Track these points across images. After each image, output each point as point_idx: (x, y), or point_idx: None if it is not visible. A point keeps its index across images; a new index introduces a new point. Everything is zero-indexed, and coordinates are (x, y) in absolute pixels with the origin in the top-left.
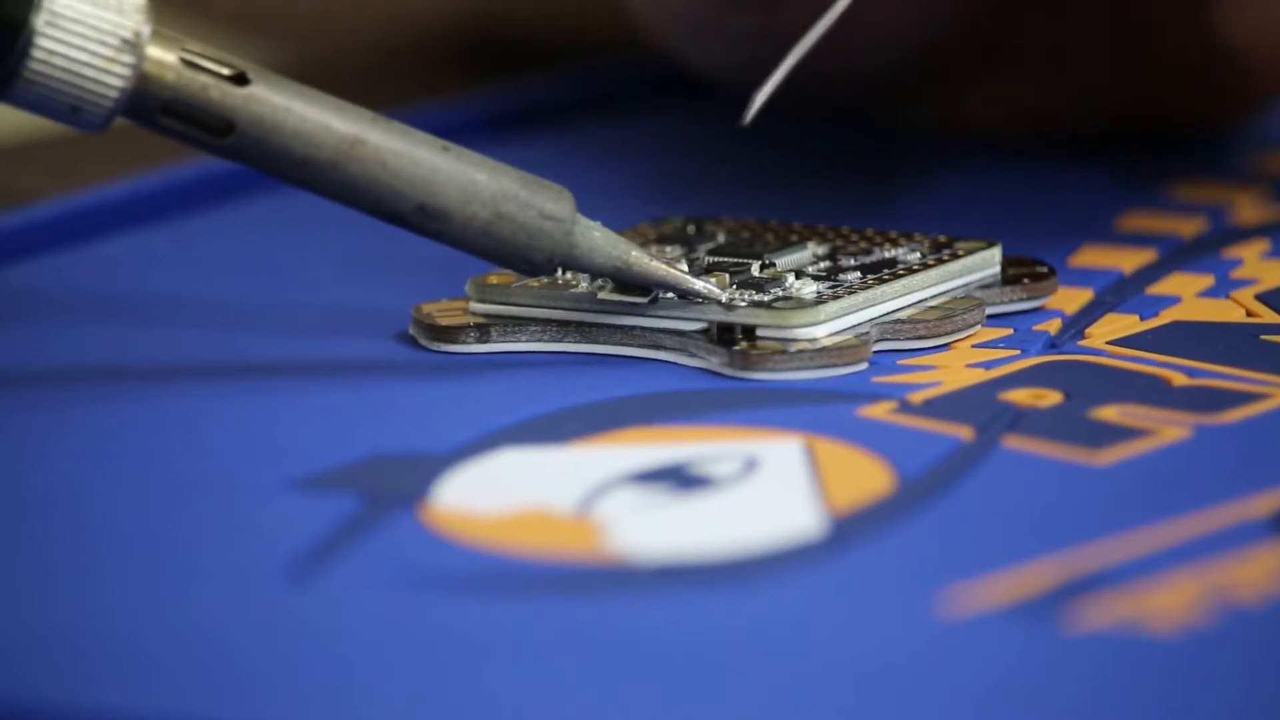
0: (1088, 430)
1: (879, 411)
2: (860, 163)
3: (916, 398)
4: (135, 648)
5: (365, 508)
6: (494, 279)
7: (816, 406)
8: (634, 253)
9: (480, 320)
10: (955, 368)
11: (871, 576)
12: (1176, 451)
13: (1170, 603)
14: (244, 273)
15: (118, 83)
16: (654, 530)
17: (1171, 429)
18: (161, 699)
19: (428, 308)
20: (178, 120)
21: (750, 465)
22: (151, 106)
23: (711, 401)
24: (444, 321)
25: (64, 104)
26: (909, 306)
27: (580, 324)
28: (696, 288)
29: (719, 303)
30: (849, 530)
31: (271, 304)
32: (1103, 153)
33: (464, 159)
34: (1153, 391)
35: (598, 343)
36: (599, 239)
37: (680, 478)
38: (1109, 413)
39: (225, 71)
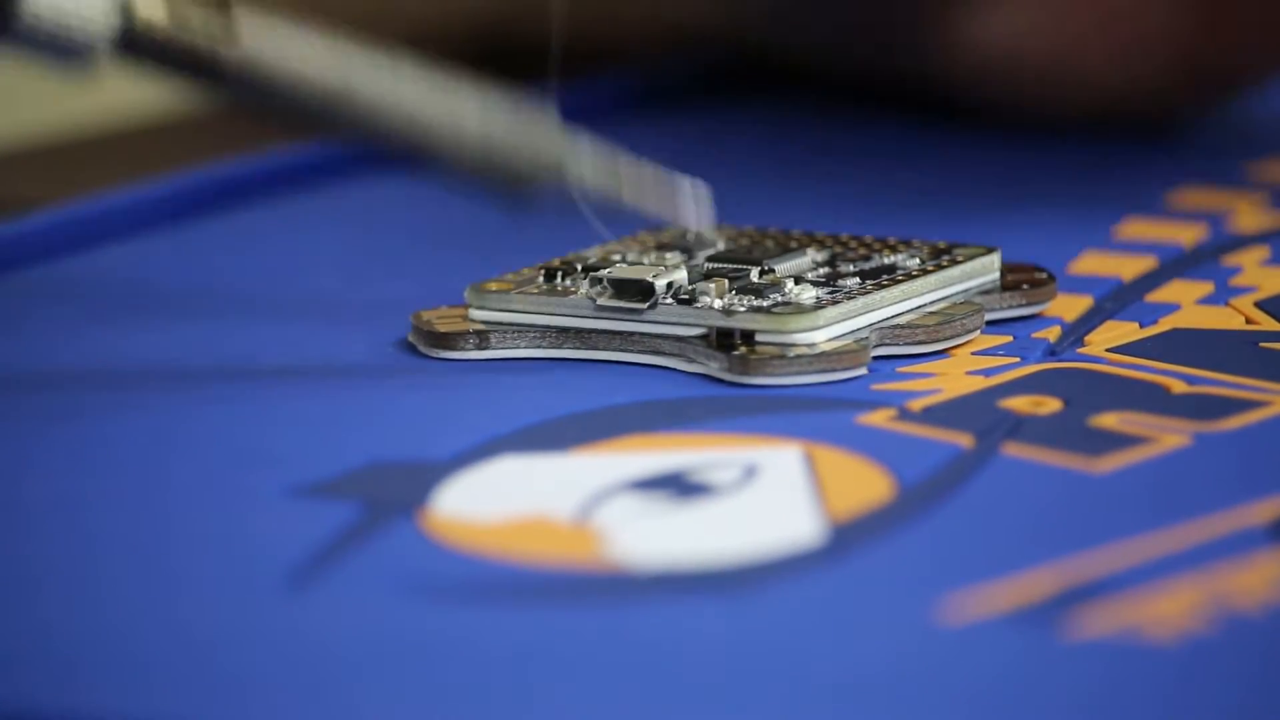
0: (1087, 438)
1: (878, 419)
2: (859, 169)
3: (916, 405)
4: (135, 655)
5: (365, 515)
6: (493, 286)
7: (816, 414)
8: (625, 173)
9: (479, 327)
10: (955, 375)
11: (871, 584)
12: (1176, 459)
13: (1170, 610)
14: (243, 279)
15: (105, 19)
16: (653, 537)
17: (1171, 436)
18: (160, 707)
19: (427, 315)
20: (164, 55)
21: (750, 473)
22: (140, 41)
23: (711, 409)
24: (443, 328)
25: (54, 41)
26: (908, 312)
27: (579, 330)
28: (686, 215)
29: (708, 241)
30: (848, 537)
31: (270, 310)
32: (1103, 159)
33: (449, 88)
34: (1152, 399)
35: (597, 349)
36: (589, 160)
37: (679, 485)
38: (1108, 420)
39: (212, 8)
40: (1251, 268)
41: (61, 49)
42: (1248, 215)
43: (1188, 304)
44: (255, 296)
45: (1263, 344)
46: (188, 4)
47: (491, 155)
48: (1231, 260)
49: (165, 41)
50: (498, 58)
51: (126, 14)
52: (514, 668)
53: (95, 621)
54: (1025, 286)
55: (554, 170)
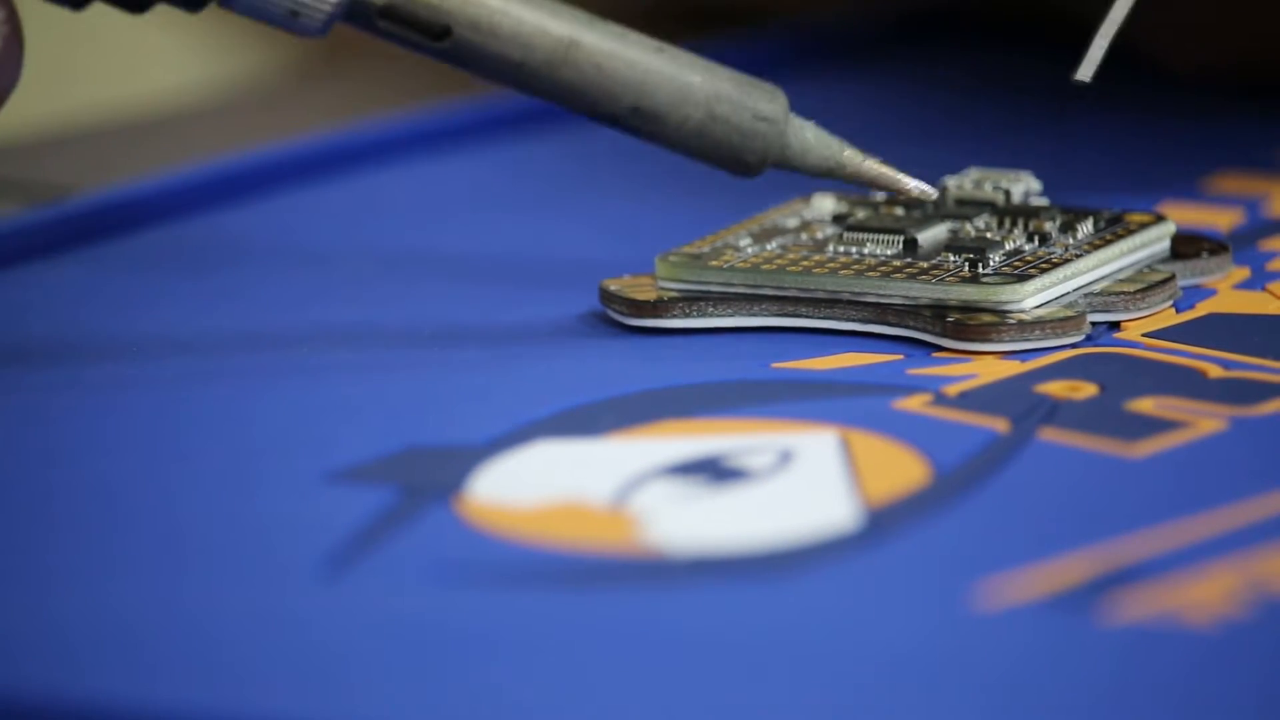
0: (1123, 422)
1: (914, 404)
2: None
3: (952, 390)
4: (170, 641)
5: (401, 500)
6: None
7: (852, 399)
8: (846, 152)
9: (681, 293)
10: (990, 360)
11: (907, 569)
12: (1212, 443)
13: (1207, 595)
14: (281, 268)
15: None
16: (689, 523)
17: (1207, 421)
18: (194, 693)
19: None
20: (395, 24)
21: (785, 458)
22: (369, 9)
23: (746, 394)
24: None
25: (283, 8)
26: (1100, 280)
27: (790, 299)
28: (909, 185)
29: (931, 201)
30: (884, 523)
31: (307, 298)
32: (1140, 145)
33: (678, 60)
34: (1188, 383)
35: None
36: (811, 139)
37: (715, 470)
38: (1145, 405)
39: None
40: None
41: (288, 15)
42: None
43: (1224, 289)
44: (292, 285)
45: None
46: None
47: (714, 125)
48: (1268, 245)
49: (396, 12)
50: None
51: None
52: (550, 653)
53: (131, 605)
54: (1205, 255)
55: (776, 143)
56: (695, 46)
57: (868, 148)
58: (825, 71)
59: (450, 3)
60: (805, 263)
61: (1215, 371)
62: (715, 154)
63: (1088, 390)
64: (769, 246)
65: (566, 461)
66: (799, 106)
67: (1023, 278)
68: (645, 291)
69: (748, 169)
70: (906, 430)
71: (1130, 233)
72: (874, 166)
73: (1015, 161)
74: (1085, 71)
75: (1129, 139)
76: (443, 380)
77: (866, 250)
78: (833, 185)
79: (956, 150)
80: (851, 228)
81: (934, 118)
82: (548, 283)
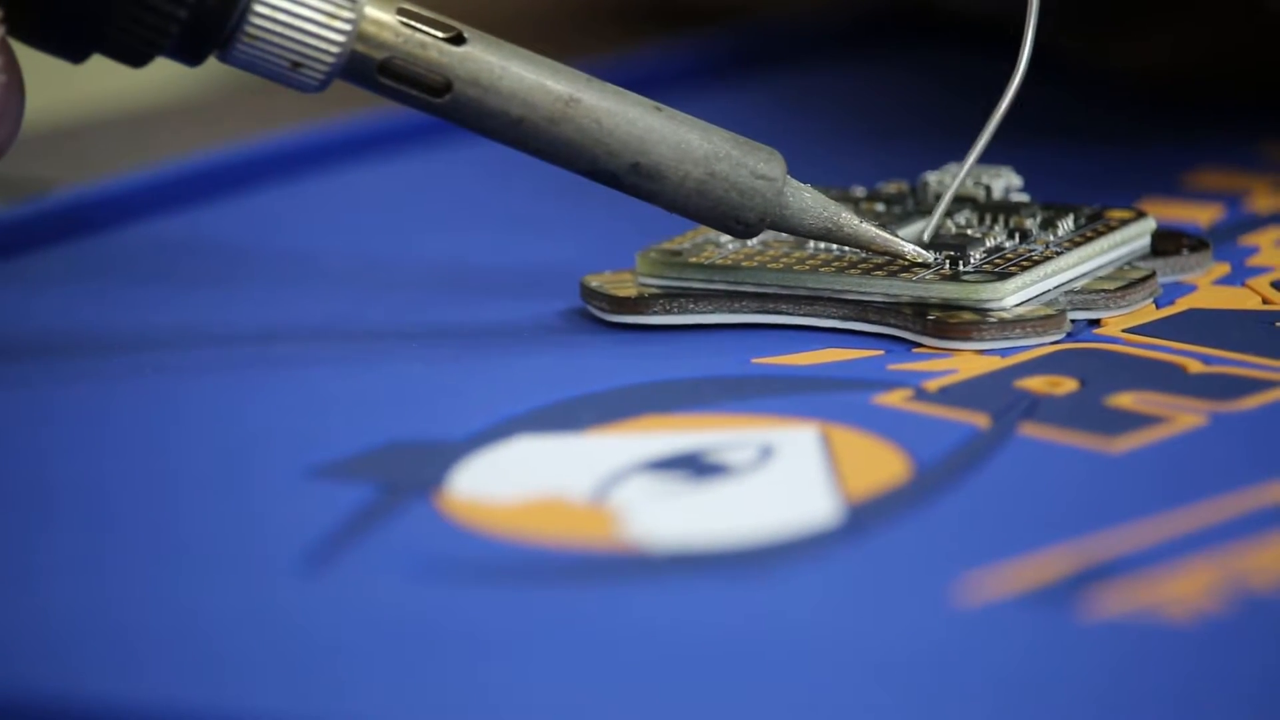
0: (1104, 418)
1: (895, 399)
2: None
3: (932, 385)
4: (152, 638)
5: (382, 496)
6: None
7: (832, 394)
8: (844, 214)
9: (664, 290)
10: (971, 355)
11: (887, 564)
12: (1192, 439)
13: (1186, 590)
14: (261, 265)
15: (338, 38)
16: (669, 518)
17: (1187, 416)
18: (173, 691)
19: (597, 280)
20: (395, 79)
21: (766, 453)
22: (370, 65)
23: (727, 389)
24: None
25: (285, 61)
26: (1080, 277)
27: (770, 295)
28: (905, 250)
29: (926, 265)
30: (865, 518)
31: (288, 294)
32: (1121, 142)
33: (676, 119)
34: (1169, 379)
35: (788, 314)
36: (809, 200)
37: (696, 466)
38: (1125, 400)
39: (441, 33)
40: (1268, 248)
41: (289, 68)
42: (1264, 196)
43: (1204, 284)
44: (278, 273)
45: (1279, 324)
46: (418, 29)
47: (713, 182)
48: (1248, 240)
49: (396, 68)
50: (639, 13)
51: (359, 42)
52: (529, 648)
53: (110, 603)
54: (1185, 251)
55: (774, 202)
56: (666, 44)
57: (847, 144)
58: (801, 68)
59: (450, 58)
60: (786, 259)
61: (1195, 367)
62: (714, 213)
63: (1068, 385)
64: (749, 243)
65: (547, 457)
66: (777, 102)
67: (1003, 276)
68: (626, 288)
69: (748, 228)
70: (887, 425)
71: (1111, 229)
72: (870, 229)
73: (996, 158)
74: (928, 233)
75: (1109, 135)
76: (424, 376)
77: (848, 247)
78: (816, 183)
79: (936, 146)
80: None
81: (912, 114)
82: (529, 278)
